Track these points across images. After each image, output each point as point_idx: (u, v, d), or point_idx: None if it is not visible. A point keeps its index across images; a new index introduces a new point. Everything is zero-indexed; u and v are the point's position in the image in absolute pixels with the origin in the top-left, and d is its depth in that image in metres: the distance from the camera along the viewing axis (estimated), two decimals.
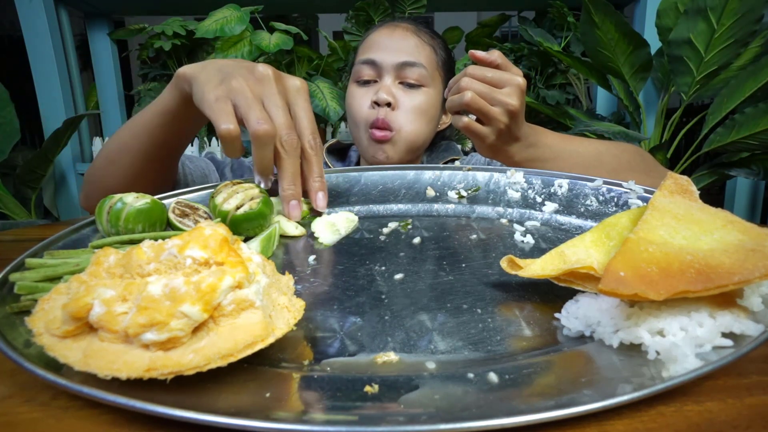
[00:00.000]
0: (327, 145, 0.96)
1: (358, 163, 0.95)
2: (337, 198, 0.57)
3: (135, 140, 0.62)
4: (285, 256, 0.45)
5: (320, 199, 0.52)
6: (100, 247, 0.38)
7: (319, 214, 0.52)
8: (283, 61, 1.93)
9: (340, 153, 0.99)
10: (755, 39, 1.47)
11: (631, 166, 0.67)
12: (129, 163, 0.63)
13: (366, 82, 0.83)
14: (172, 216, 0.45)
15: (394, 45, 0.83)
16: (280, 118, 0.48)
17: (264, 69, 0.50)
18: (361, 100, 0.83)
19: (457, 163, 0.89)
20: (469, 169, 0.58)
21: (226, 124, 0.45)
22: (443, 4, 2.19)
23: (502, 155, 0.65)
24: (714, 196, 2.19)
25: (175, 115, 0.57)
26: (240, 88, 0.47)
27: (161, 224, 0.44)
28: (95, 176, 0.67)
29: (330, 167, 0.90)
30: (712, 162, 1.64)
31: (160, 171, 0.66)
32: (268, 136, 0.46)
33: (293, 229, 0.49)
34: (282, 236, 0.49)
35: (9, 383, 0.27)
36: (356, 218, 0.52)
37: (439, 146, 0.94)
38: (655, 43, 1.56)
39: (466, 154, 0.95)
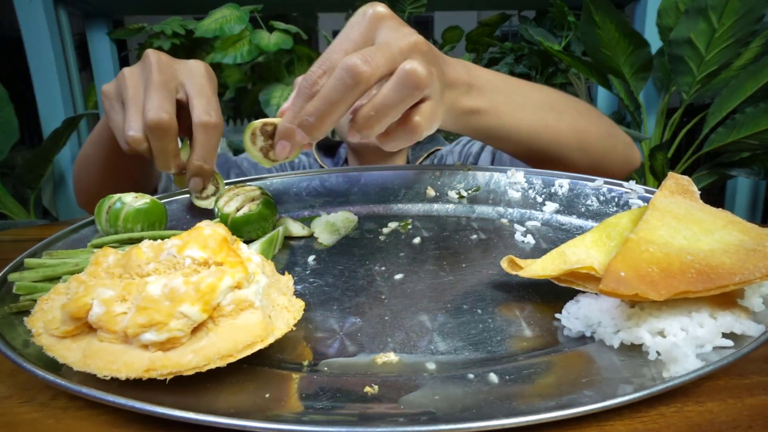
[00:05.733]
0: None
1: (346, 161, 0.95)
2: (337, 198, 0.57)
3: (94, 149, 0.60)
4: (285, 256, 0.45)
5: (192, 183, 0.47)
6: (100, 246, 0.38)
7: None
8: (282, 61, 1.93)
9: (329, 149, 0.99)
10: (756, 39, 1.46)
11: (587, 116, 0.58)
12: (95, 171, 0.62)
13: None
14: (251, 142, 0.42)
15: None
16: (149, 103, 0.43)
17: (151, 57, 0.45)
18: None
19: (442, 151, 0.89)
20: (469, 169, 0.57)
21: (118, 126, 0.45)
22: (443, 4, 2.19)
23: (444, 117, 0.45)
24: (714, 196, 2.19)
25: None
26: (122, 86, 0.46)
27: (160, 224, 0.44)
28: (75, 177, 0.67)
29: (320, 163, 0.91)
30: (713, 162, 1.64)
31: (128, 175, 0.63)
32: (132, 137, 0.43)
33: (299, 229, 0.49)
34: (287, 237, 0.49)
35: (8, 383, 0.27)
36: (356, 218, 0.52)
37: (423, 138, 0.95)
38: (655, 43, 1.56)
39: (450, 142, 0.95)
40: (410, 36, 0.37)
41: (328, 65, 0.35)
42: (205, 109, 0.44)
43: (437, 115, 0.39)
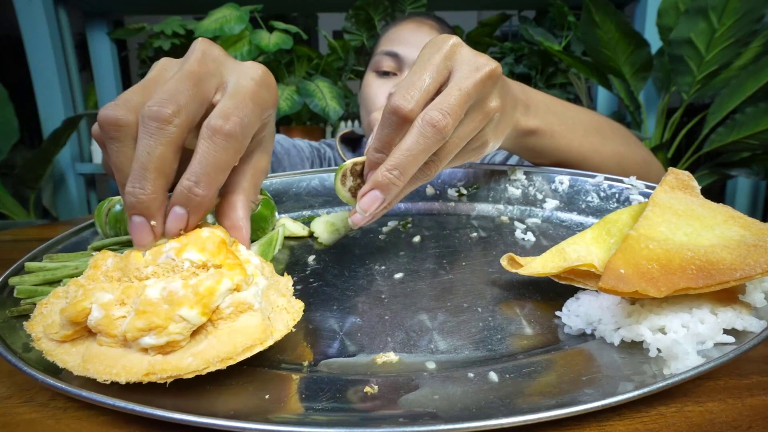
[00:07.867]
0: (341, 134, 0.97)
1: None
2: (337, 198, 0.56)
3: None
4: (285, 256, 0.45)
5: (171, 219, 0.29)
6: (100, 249, 0.38)
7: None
8: (282, 61, 1.93)
9: (353, 143, 0.99)
10: (756, 39, 1.46)
11: (627, 142, 0.61)
12: None
13: (385, 74, 0.84)
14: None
15: (419, 41, 0.83)
16: (159, 94, 0.29)
17: (197, 45, 0.32)
18: (378, 90, 0.83)
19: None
20: (469, 167, 0.57)
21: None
22: (443, 3, 2.19)
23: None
24: (715, 196, 2.19)
25: None
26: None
27: None
28: None
29: (342, 157, 0.90)
30: (713, 162, 1.64)
31: None
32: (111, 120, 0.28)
33: (299, 229, 0.49)
34: (287, 237, 0.49)
35: (8, 383, 0.27)
36: None
37: None
38: (655, 43, 1.56)
39: None
40: (483, 69, 0.36)
41: (407, 99, 0.34)
42: (223, 112, 0.30)
43: (498, 135, 0.42)
